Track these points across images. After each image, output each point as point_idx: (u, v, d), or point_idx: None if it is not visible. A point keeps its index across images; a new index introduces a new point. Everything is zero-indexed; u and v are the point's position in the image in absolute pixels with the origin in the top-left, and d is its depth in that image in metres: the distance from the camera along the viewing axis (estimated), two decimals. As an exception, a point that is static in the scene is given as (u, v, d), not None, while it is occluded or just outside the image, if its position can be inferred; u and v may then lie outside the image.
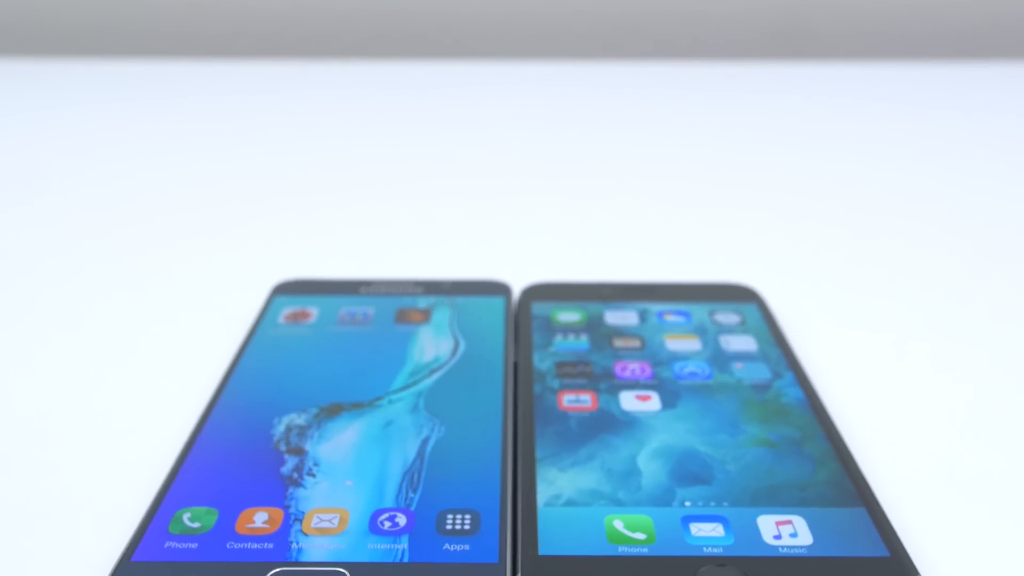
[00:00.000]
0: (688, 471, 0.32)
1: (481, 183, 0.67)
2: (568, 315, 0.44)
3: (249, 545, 0.29)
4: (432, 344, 0.41)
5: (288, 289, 0.46)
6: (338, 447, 0.34)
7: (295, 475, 0.32)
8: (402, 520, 0.30)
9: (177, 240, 0.57)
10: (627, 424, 0.35)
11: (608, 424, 0.35)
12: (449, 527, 0.30)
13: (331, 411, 0.36)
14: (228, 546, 0.29)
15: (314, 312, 0.44)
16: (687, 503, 0.31)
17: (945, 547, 0.31)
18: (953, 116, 0.82)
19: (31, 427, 0.38)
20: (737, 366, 0.39)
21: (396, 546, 0.29)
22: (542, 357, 0.40)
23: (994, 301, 0.49)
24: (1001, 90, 0.89)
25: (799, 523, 0.30)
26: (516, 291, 0.46)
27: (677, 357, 0.40)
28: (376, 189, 0.66)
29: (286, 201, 0.63)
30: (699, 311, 0.44)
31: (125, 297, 0.49)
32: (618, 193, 0.65)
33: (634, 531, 0.30)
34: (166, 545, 0.29)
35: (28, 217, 0.60)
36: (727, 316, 0.43)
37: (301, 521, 0.30)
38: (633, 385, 0.38)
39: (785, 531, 0.30)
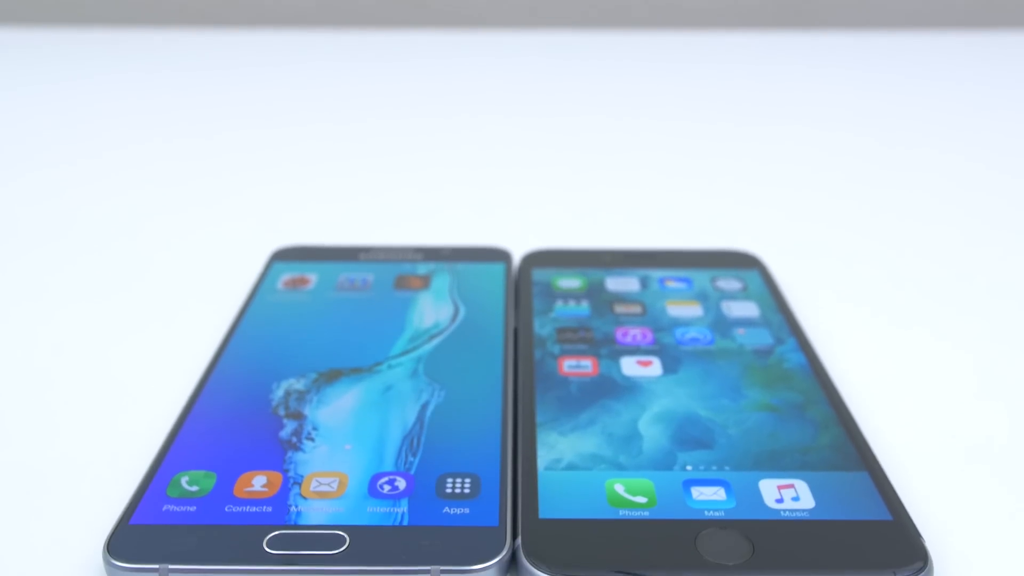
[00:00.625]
0: (689, 435, 0.32)
1: (482, 152, 0.67)
2: (569, 281, 0.43)
3: (247, 508, 0.29)
4: (432, 310, 0.41)
5: (287, 256, 0.46)
6: (337, 412, 0.34)
7: (294, 439, 0.32)
8: (402, 484, 0.30)
9: (175, 208, 0.56)
10: (628, 389, 0.35)
11: (609, 389, 0.35)
12: (449, 491, 0.29)
13: (330, 376, 0.36)
14: (226, 509, 0.29)
15: (313, 278, 0.43)
16: (688, 467, 0.31)
17: (948, 511, 0.31)
18: (959, 86, 0.81)
19: (31, 393, 0.37)
20: (739, 332, 0.39)
21: (396, 509, 0.29)
22: (543, 323, 0.40)
23: (997, 268, 0.49)
24: (1008, 60, 0.88)
25: (801, 487, 0.30)
26: (516, 258, 0.46)
27: (679, 323, 0.40)
28: (376, 158, 0.65)
29: (284, 170, 0.63)
30: (701, 277, 0.44)
31: (124, 265, 0.49)
32: (620, 162, 0.65)
33: (635, 495, 0.29)
34: (164, 508, 0.29)
35: (26, 190, 0.60)
36: (729, 282, 0.43)
37: (300, 485, 0.30)
38: (634, 350, 0.38)
39: (787, 495, 0.29)
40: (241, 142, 0.68)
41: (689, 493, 0.29)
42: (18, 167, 0.63)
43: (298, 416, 0.33)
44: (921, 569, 0.27)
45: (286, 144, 0.68)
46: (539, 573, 0.27)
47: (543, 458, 0.31)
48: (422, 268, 0.44)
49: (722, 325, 0.40)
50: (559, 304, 0.41)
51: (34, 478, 0.32)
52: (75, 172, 0.62)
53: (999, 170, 0.63)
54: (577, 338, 0.38)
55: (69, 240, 0.52)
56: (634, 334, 0.39)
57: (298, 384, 0.35)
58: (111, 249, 0.50)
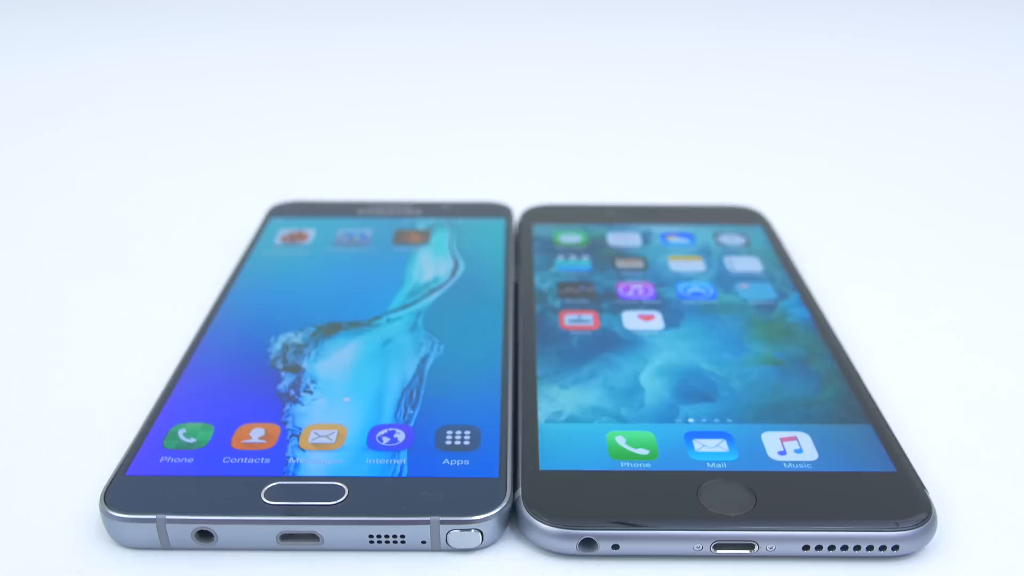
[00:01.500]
0: (691, 388, 0.32)
1: (483, 108, 0.66)
2: (570, 236, 0.43)
3: (245, 460, 0.28)
4: (431, 264, 0.40)
5: (284, 211, 0.45)
6: (336, 365, 0.33)
7: (292, 392, 0.32)
8: (401, 436, 0.29)
9: (172, 165, 0.56)
10: (630, 343, 0.35)
11: (610, 343, 0.35)
12: (449, 443, 0.29)
13: (328, 330, 0.35)
14: (224, 461, 0.28)
15: (311, 233, 0.43)
16: (690, 420, 0.30)
17: (951, 464, 0.30)
18: (964, 46, 0.80)
19: (28, 347, 0.37)
20: (742, 286, 0.39)
21: (395, 461, 0.28)
22: (543, 277, 0.39)
23: (1001, 221, 0.48)
24: (1013, 20, 0.87)
25: (804, 439, 0.29)
26: (517, 214, 0.45)
27: (681, 277, 0.39)
28: (376, 115, 0.64)
29: (282, 128, 0.62)
30: (703, 233, 0.43)
31: (121, 220, 0.48)
32: (623, 118, 0.64)
33: (636, 447, 0.29)
34: (161, 460, 0.28)
35: (26, 151, 0.59)
36: (732, 238, 0.43)
37: (298, 437, 0.29)
38: (636, 305, 0.37)
39: (790, 447, 0.29)
40: (239, 100, 0.67)
41: (691, 445, 0.29)
42: (18, 129, 0.62)
43: (296, 369, 0.33)
44: (924, 520, 0.26)
45: (284, 102, 0.67)
46: (539, 524, 0.26)
47: (544, 411, 0.31)
48: (421, 223, 0.44)
49: (725, 280, 0.39)
50: (560, 259, 0.41)
51: (32, 430, 0.32)
52: (74, 132, 0.61)
53: (1005, 121, 0.62)
54: (578, 292, 0.38)
55: (67, 197, 0.51)
56: (636, 289, 0.38)
57: (296, 338, 0.35)
58: (110, 206, 0.50)
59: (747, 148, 0.58)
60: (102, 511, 0.27)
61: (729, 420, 0.30)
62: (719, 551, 0.26)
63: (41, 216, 0.49)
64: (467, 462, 0.28)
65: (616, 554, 0.26)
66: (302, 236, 0.43)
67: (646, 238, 0.43)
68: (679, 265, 0.40)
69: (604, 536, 0.26)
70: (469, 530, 0.26)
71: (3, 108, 0.66)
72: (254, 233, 0.43)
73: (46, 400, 0.34)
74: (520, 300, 0.38)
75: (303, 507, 0.27)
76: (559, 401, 0.31)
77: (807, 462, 0.28)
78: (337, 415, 0.30)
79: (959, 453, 0.31)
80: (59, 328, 0.38)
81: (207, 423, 0.30)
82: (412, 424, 0.30)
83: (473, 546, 0.27)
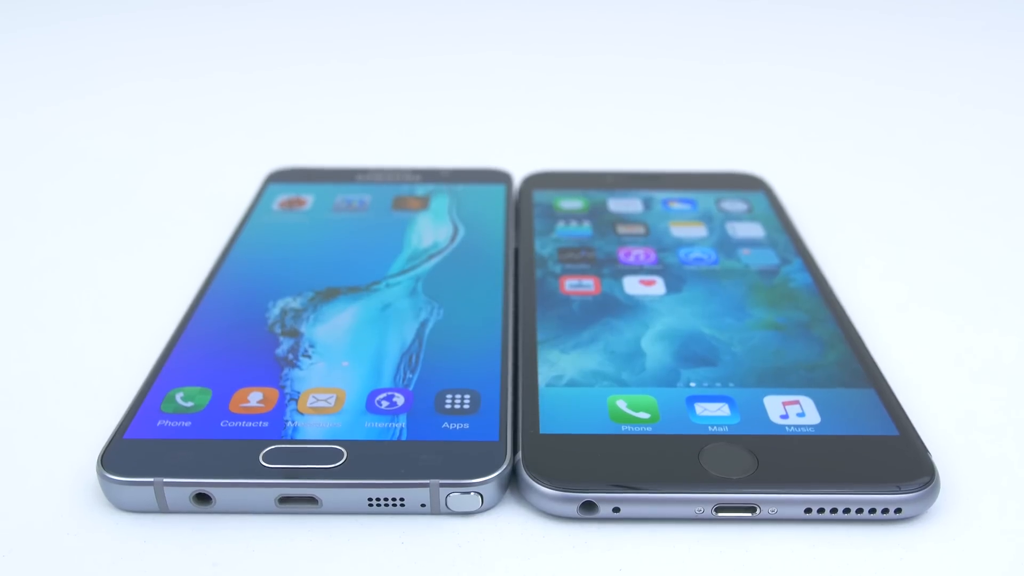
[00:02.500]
0: (693, 353, 0.32)
1: (483, 74, 0.65)
2: (570, 202, 0.42)
3: (243, 424, 0.28)
4: (431, 230, 0.40)
5: (282, 177, 0.45)
6: (334, 329, 0.33)
7: (290, 356, 0.31)
8: (400, 399, 0.29)
9: (170, 131, 0.55)
10: (631, 308, 0.34)
11: (611, 308, 0.34)
12: (448, 406, 0.29)
13: (327, 295, 0.35)
14: (222, 424, 0.28)
15: (309, 199, 0.43)
16: (692, 384, 0.30)
17: (955, 428, 0.30)
18: (968, 9, 0.79)
19: (26, 309, 0.37)
20: (744, 252, 0.38)
21: (394, 424, 0.28)
22: (544, 243, 0.39)
23: (1004, 185, 0.48)
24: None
25: (807, 403, 0.29)
26: (517, 180, 0.45)
27: (682, 243, 0.39)
28: (375, 82, 0.64)
29: (281, 94, 0.62)
30: (705, 199, 0.43)
31: (120, 185, 0.48)
32: (623, 85, 0.63)
33: (638, 410, 0.29)
34: (159, 423, 0.28)
35: (23, 119, 0.59)
36: (734, 204, 0.42)
37: (296, 401, 0.29)
38: (637, 270, 0.37)
39: (792, 411, 0.29)
40: (238, 66, 0.67)
41: (693, 409, 0.29)
42: (16, 100, 0.62)
43: (294, 334, 0.33)
44: (927, 484, 0.26)
45: (282, 67, 0.66)
46: (540, 487, 0.26)
47: (544, 375, 0.30)
48: (420, 189, 0.43)
49: (727, 245, 0.39)
50: (560, 225, 0.40)
51: (30, 394, 0.32)
52: (72, 102, 0.61)
53: (1008, 90, 0.61)
54: (579, 258, 0.38)
55: (66, 165, 0.51)
56: (637, 254, 0.38)
57: (294, 302, 0.35)
58: (107, 173, 0.50)
59: (750, 115, 0.58)
60: (99, 474, 0.26)
61: (731, 384, 0.30)
62: (720, 514, 0.26)
63: (39, 184, 0.48)
64: (467, 426, 0.28)
65: (617, 517, 0.26)
66: (300, 202, 0.42)
67: (647, 204, 0.42)
68: (681, 231, 0.40)
69: (605, 499, 0.26)
70: (469, 493, 0.26)
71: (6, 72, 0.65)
72: (251, 199, 0.43)
73: (44, 365, 0.33)
74: (520, 265, 0.37)
75: (302, 470, 0.26)
76: (560, 365, 0.31)
77: (809, 426, 0.28)
78: (336, 379, 0.30)
79: (963, 417, 0.31)
80: (58, 294, 0.38)
81: (205, 387, 0.30)
82: (411, 388, 0.30)
83: (473, 509, 0.27)
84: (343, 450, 0.27)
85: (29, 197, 0.47)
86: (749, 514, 0.26)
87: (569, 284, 0.36)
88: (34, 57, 0.68)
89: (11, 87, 0.63)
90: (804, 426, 0.28)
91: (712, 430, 0.28)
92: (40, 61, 0.67)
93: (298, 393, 0.30)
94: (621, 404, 0.29)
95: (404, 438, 0.28)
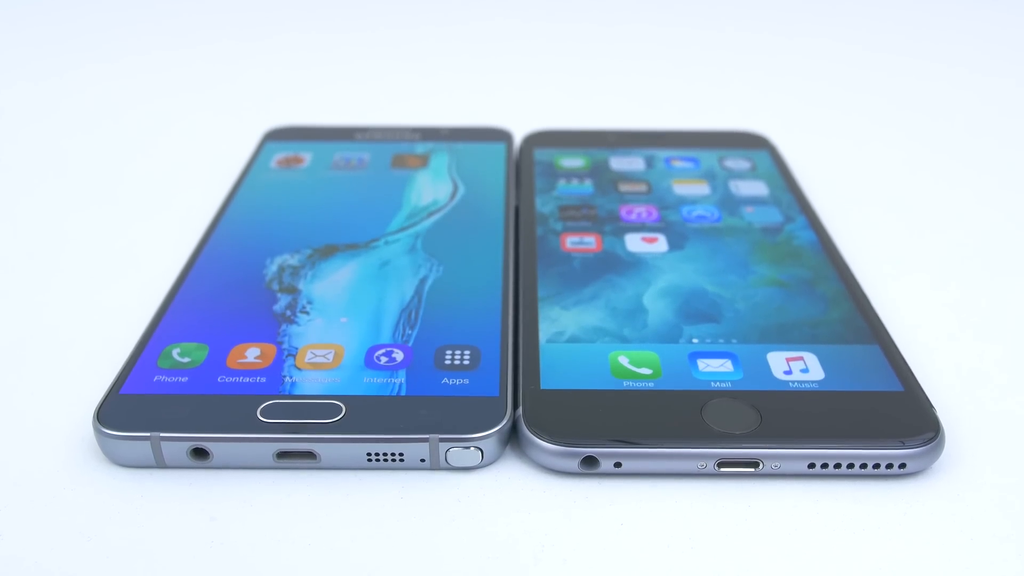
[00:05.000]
0: (696, 310, 0.31)
1: (484, 32, 0.65)
2: (572, 161, 0.42)
3: (241, 379, 0.28)
4: (430, 188, 0.39)
5: (280, 135, 0.44)
6: (332, 286, 0.33)
7: (288, 312, 0.31)
8: (399, 355, 0.29)
9: (166, 89, 0.55)
10: (633, 265, 0.34)
11: (613, 265, 0.34)
12: (448, 362, 0.29)
13: (325, 252, 0.35)
14: (219, 380, 0.28)
15: (307, 157, 0.42)
16: (695, 340, 0.30)
17: (959, 384, 0.30)
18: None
19: (23, 266, 0.36)
20: (747, 210, 0.38)
21: (393, 380, 0.28)
22: (544, 201, 0.38)
23: (1010, 142, 0.47)
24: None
25: (810, 359, 0.29)
26: (518, 139, 0.44)
27: (685, 201, 0.38)
28: (374, 39, 0.63)
29: (278, 51, 0.61)
30: (708, 157, 0.42)
31: (116, 144, 0.47)
32: (625, 43, 0.62)
33: (640, 366, 0.28)
34: (155, 379, 0.28)
35: (17, 74, 0.58)
36: (737, 162, 0.42)
37: (294, 356, 0.29)
38: (639, 227, 0.36)
39: (796, 367, 0.29)
40: (234, 23, 0.66)
41: (695, 365, 0.29)
42: (11, 55, 0.61)
43: (292, 290, 0.32)
44: (932, 439, 0.26)
45: (281, 26, 0.65)
46: (540, 442, 0.26)
47: (545, 331, 0.30)
48: (420, 148, 0.43)
49: (730, 203, 0.38)
50: (561, 183, 0.40)
51: (25, 349, 0.32)
52: (68, 57, 0.60)
53: (1012, 48, 0.61)
54: (580, 215, 0.37)
55: (60, 122, 0.50)
56: (639, 212, 0.38)
57: (292, 259, 0.34)
58: (104, 130, 0.49)
59: (755, 76, 0.57)
60: (95, 429, 0.26)
61: (734, 340, 0.30)
62: (723, 469, 0.26)
63: (33, 141, 0.48)
64: (467, 381, 0.28)
65: (618, 472, 0.26)
66: (298, 160, 0.42)
67: (650, 162, 0.42)
68: (683, 189, 0.39)
69: (606, 454, 0.26)
70: (468, 448, 0.26)
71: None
72: (249, 157, 0.42)
73: (41, 321, 0.33)
74: (521, 223, 0.37)
75: (300, 425, 0.26)
76: (561, 322, 0.31)
77: (813, 381, 0.28)
78: (334, 335, 0.30)
79: (968, 374, 0.30)
80: (54, 250, 0.38)
81: (202, 343, 0.29)
82: (411, 344, 0.29)
83: (473, 465, 0.26)
84: (341, 405, 0.27)
85: (21, 153, 0.46)
86: (752, 469, 0.26)
87: (570, 241, 0.35)
88: (30, 15, 0.67)
89: (4, 47, 0.62)
90: (808, 382, 0.28)
91: (715, 386, 0.28)
92: (35, 20, 0.67)
93: (296, 349, 0.29)
94: (623, 360, 0.29)
95: (403, 393, 0.27)
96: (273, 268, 0.34)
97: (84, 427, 0.28)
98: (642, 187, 0.40)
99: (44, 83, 0.56)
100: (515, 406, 0.27)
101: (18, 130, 0.49)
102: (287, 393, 0.27)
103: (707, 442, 0.26)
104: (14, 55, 0.60)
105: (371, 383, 0.28)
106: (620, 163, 0.42)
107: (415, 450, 0.26)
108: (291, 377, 0.28)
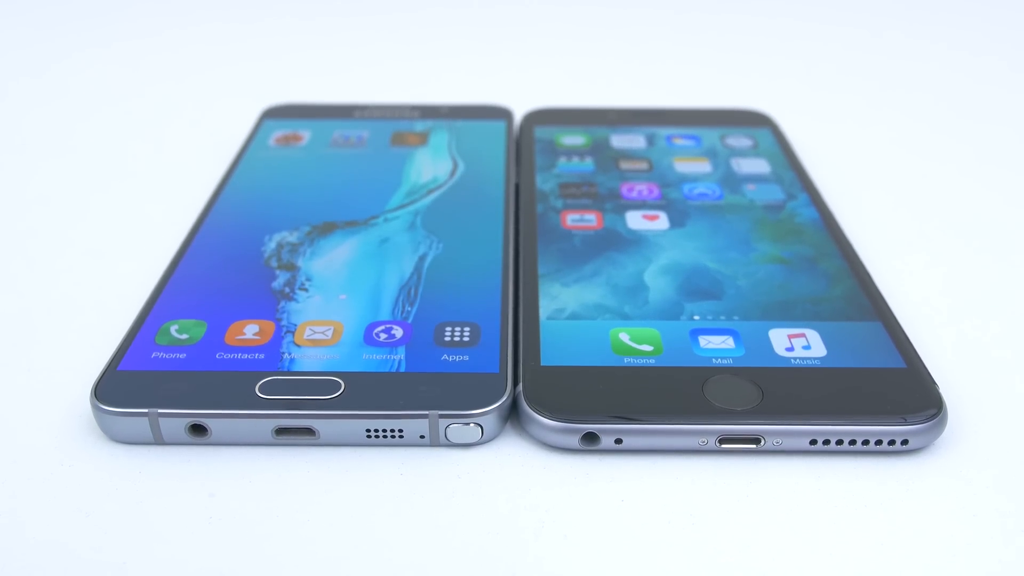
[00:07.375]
0: (697, 287, 0.31)
1: (484, 10, 0.64)
2: (572, 138, 0.41)
3: (239, 356, 0.28)
4: (430, 165, 0.39)
5: (278, 113, 0.44)
6: (331, 263, 0.32)
7: (287, 289, 0.31)
8: (398, 332, 0.29)
9: (164, 67, 0.54)
10: (634, 242, 0.34)
11: (614, 242, 0.34)
12: (448, 339, 0.28)
13: (324, 229, 0.34)
14: (217, 356, 0.28)
15: (306, 135, 0.42)
16: (696, 317, 0.30)
17: (962, 361, 0.30)
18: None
19: (21, 244, 0.36)
20: (749, 187, 0.38)
21: (392, 356, 0.28)
22: (545, 178, 0.38)
23: (1012, 120, 0.47)
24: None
25: (812, 336, 0.29)
26: (518, 116, 0.44)
27: (686, 178, 0.38)
28: (374, 17, 0.62)
29: (277, 28, 0.60)
30: (710, 135, 0.42)
31: (115, 122, 0.47)
32: (627, 20, 0.62)
33: (640, 343, 0.28)
34: (153, 355, 0.28)
35: (18, 54, 0.58)
36: (739, 140, 0.41)
37: (293, 333, 0.29)
38: (640, 205, 0.36)
39: (798, 343, 0.28)
40: (233, 2, 0.65)
41: (696, 342, 0.28)
42: (10, 35, 0.60)
43: (291, 267, 0.32)
44: (935, 415, 0.26)
45: (279, 3, 0.65)
46: (540, 418, 0.26)
47: (545, 308, 0.30)
48: (419, 125, 0.43)
49: (732, 181, 0.38)
50: (562, 160, 0.40)
51: (24, 327, 0.31)
52: (67, 37, 0.59)
53: (1013, 27, 0.60)
54: (581, 193, 0.37)
55: (60, 100, 0.50)
56: (640, 189, 0.37)
57: (291, 236, 0.34)
58: (103, 108, 0.49)
59: (757, 54, 0.57)
60: (93, 405, 0.26)
61: (735, 317, 0.30)
62: (724, 445, 0.26)
63: (34, 119, 0.47)
64: (466, 358, 0.28)
65: (619, 449, 0.26)
66: (297, 138, 0.41)
67: (651, 140, 0.41)
68: (685, 166, 0.39)
69: (607, 430, 0.25)
70: (468, 424, 0.26)
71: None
72: (247, 135, 0.42)
73: (39, 298, 0.33)
74: (521, 200, 0.37)
75: (299, 401, 0.26)
76: (561, 299, 0.30)
77: (815, 358, 0.28)
78: (333, 312, 0.30)
79: (970, 351, 0.30)
80: (52, 228, 0.37)
81: (200, 320, 0.29)
82: (410, 321, 0.29)
83: (472, 441, 0.26)
84: (340, 381, 0.26)
85: (22, 132, 0.46)
86: (754, 445, 0.26)
87: (571, 219, 0.35)
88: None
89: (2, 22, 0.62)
90: (810, 359, 0.28)
91: (716, 362, 0.27)
92: (30, 4, 0.66)
93: (295, 326, 0.29)
94: (624, 336, 0.29)
95: (403, 370, 0.27)
96: (272, 245, 0.33)
97: (82, 403, 0.27)
98: (643, 165, 0.39)
99: (36, 57, 0.55)
100: (515, 382, 0.27)
101: (17, 112, 0.49)
102: (286, 369, 0.27)
103: (708, 418, 0.26)
104: (10, 38, 0.60)
105: (370, 359, 0.28)
106: (621, 141, 0.41)
107: (414, 426, 0.26)
108: (290, 354, 0.28)
